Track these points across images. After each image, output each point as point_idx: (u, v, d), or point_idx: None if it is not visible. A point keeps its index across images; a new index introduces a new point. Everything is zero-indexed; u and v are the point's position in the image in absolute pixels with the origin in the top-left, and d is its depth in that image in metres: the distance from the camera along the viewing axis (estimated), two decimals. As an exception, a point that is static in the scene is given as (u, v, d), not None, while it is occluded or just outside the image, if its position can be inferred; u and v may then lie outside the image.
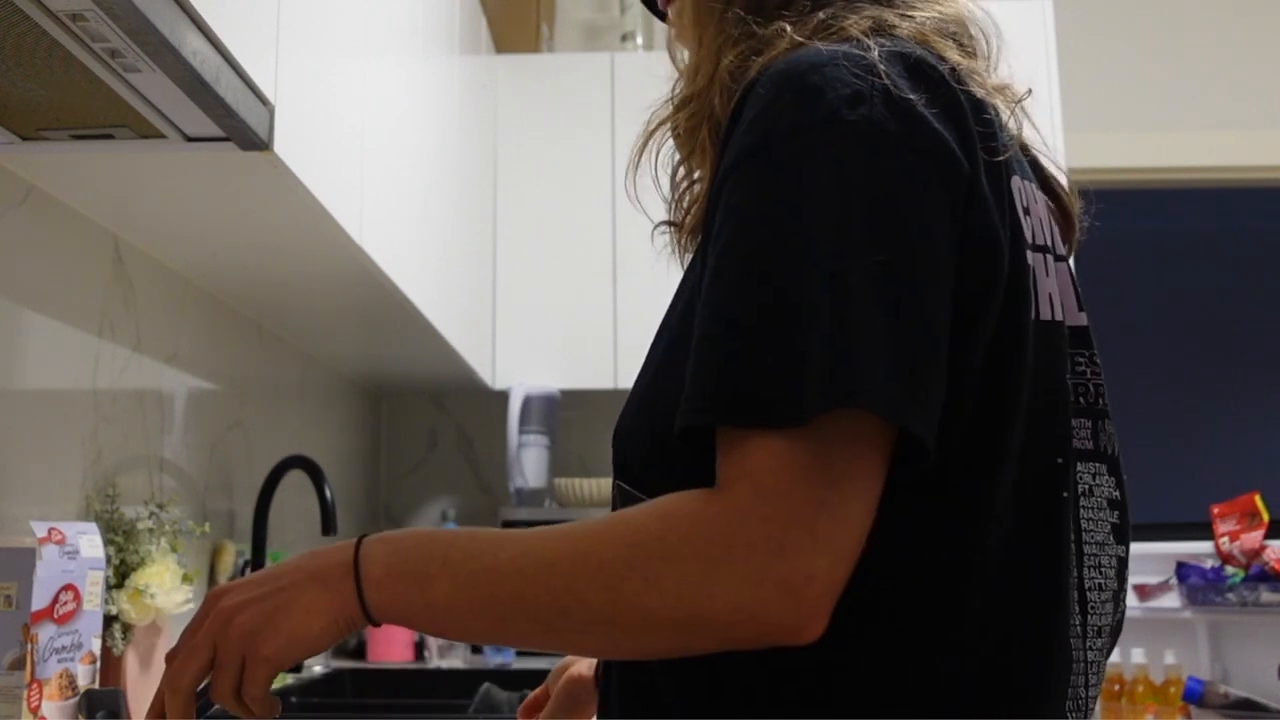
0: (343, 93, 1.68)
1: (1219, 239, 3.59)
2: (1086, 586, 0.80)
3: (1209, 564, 2.88)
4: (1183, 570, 2.88)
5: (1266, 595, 2.77)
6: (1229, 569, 2.85)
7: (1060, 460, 0.78)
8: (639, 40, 3.40)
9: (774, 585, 0.66)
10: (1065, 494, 0.78)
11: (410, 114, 2.15)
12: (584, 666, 1.10)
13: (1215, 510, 2.93)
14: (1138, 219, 3.56)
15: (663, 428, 0.74)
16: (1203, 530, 2.93)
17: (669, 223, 0.96)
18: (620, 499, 0.84)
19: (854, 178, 0.71)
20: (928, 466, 0.70)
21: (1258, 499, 2.90)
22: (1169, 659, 2.81)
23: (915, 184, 0.72)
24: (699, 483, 0.73)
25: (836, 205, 0.71)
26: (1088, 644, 0.79)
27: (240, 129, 1.24)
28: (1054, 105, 3.01)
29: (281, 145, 1.34)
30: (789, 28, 0.82)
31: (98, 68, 1.09)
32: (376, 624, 0.76)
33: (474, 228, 2.86)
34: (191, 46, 1.09)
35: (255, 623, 0.75)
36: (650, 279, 3.40)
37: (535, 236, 3.15)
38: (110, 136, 1.28)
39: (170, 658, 0.79)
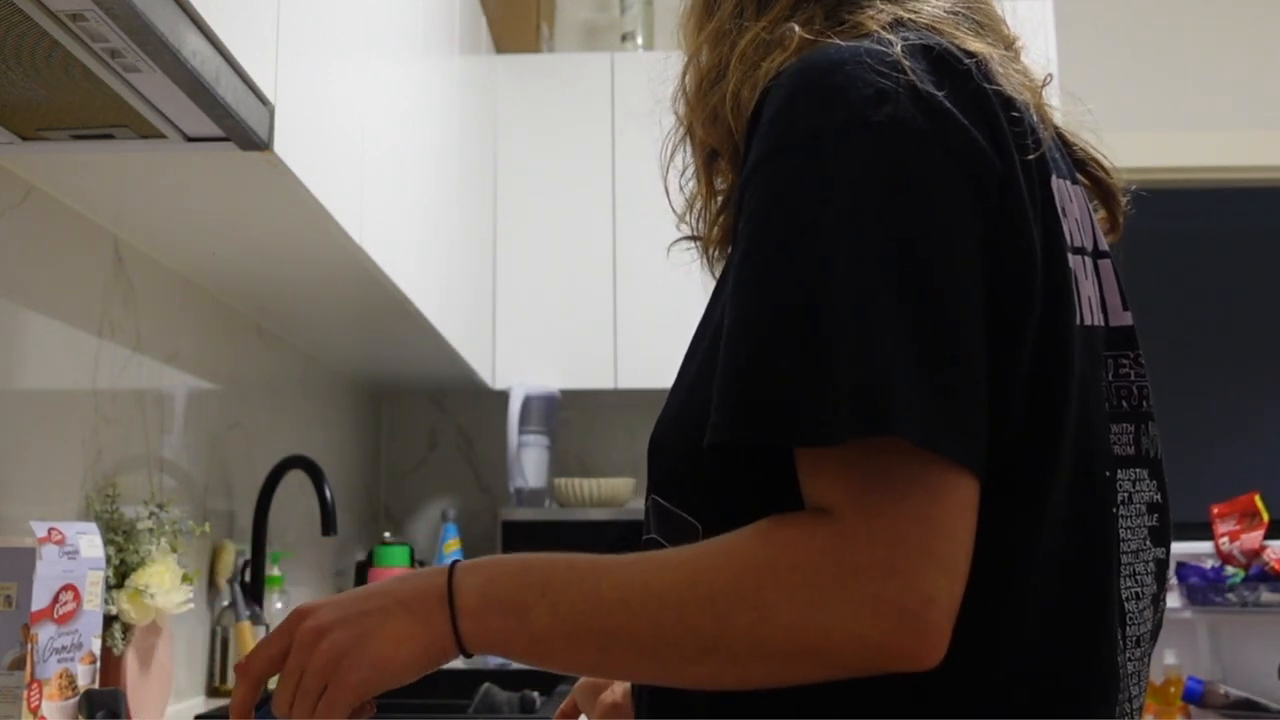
0: (343, 93, 1.68)
1: (1219, 239, 3.59)
2: (1124, 597, 0.77)
3: (1209, 564, 2.88)
4: (1183, 570, 2.88)
5: (1266, 595, 2.77)
6: (1229, 569, 2.85)
7: (1109, 473, 0.76)
8: (639, 40, 3.40)
9: (891, 610, 0.63)
10: (1115, 509, 0.76)
11: (410, 114, 2.15)
12: (619, 694, 1.07)
13: (1215, 510, 2.93)
14: (1137, 219, 3.55)
15: (700, 442, 0.71)
16: (1203, 530, 2.93)
17: (692, 236, 0.94)
18: (656, 515, 0.81)
19: (878, 181, 0.69)
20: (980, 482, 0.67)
21: (1258, 499, 2.90)
22: (1169, 659, 2.81)
23: (944, 185, 0.69)
24: (738, 498, 0.71)
25: (860, 210, 0.68)
26: (1128, 655, 0.77)
27: (240, 129, 1.24)
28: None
29: (281, 145, 1.34)
30: (797, 27, 0.80)
31: (98, 68, 1.09)
32: (469, 655, 0.74)
33: (474, 228, 2.86)
34: (191, 46, 1.09)
35: (341, 649, 0.73)
36: (650, 279, 3.39)
37: (535, 236, 3.15)
38: (110, 136, 1.28)
39: (242, 670, 0.76)
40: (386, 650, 0.73)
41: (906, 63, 0.71)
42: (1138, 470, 0.81)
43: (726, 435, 0.68)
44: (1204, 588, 2.84)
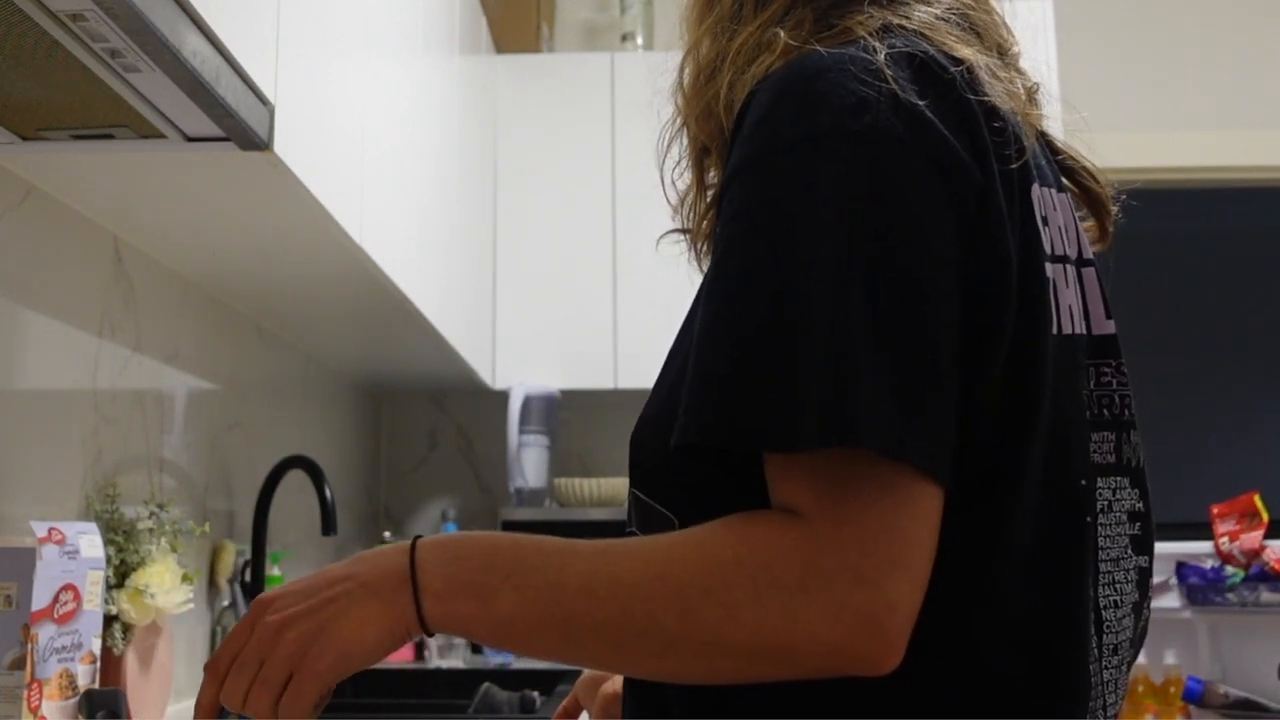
0: (343, 93, 1.68)
1: (1219, 239, 3.59)
2: (1101, 605, 0.78)
3: (1209, 564, 2.88)
4: (1183, 570, 2.88)
5: (1266, 595, 2.77)
6: (1229, 569, 2.85)
7: (1084, 482, 0.76)
8: (639, 40, 3.40)
9: (855, 616, 0.64)
10: (1089, 518, 0.76)
11: (410, 114, 2.15)
12: (619, 684, 1.07)
13: (1215, 510, 2.93)
14: (1137, 219, 3.55)
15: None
16: (1202, 530, 2.93)
17: (681, 230, 0.94)
18: (636, 508, 0.82)
19: (857, 190, 0.69)
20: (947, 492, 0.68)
21: (1257, 499, 2.90)
22: (1169, 659, 2.81)
23: (923, 194, 0.70)
24: (713, 493, 0.72)
25: (837, 219, 0.68)
26: (1103, 663, 0.77)
27: (240, 129, 1.24)
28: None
29: (281, 145, 1.34)
30: (783, 32, 0.80)
31: (98, 68, 1.09)
32: (430, 634, 0.74)
33: (474, 228, 2.86)
34: (191, 46, 1.09)
35: (306, 638, 0.72)
36: (650, 279, 3.39)
37: (535, 236, 3.15)
38: (110, 136, 1.28)
39: (210, 668, 0.76)
40: (351, 635, 0.72)
41: (889, 71, 0.72)
42: (1118, 478, 0.81)
43: (692, 438, 0.69)
44: (1204, 588, 2.84)
